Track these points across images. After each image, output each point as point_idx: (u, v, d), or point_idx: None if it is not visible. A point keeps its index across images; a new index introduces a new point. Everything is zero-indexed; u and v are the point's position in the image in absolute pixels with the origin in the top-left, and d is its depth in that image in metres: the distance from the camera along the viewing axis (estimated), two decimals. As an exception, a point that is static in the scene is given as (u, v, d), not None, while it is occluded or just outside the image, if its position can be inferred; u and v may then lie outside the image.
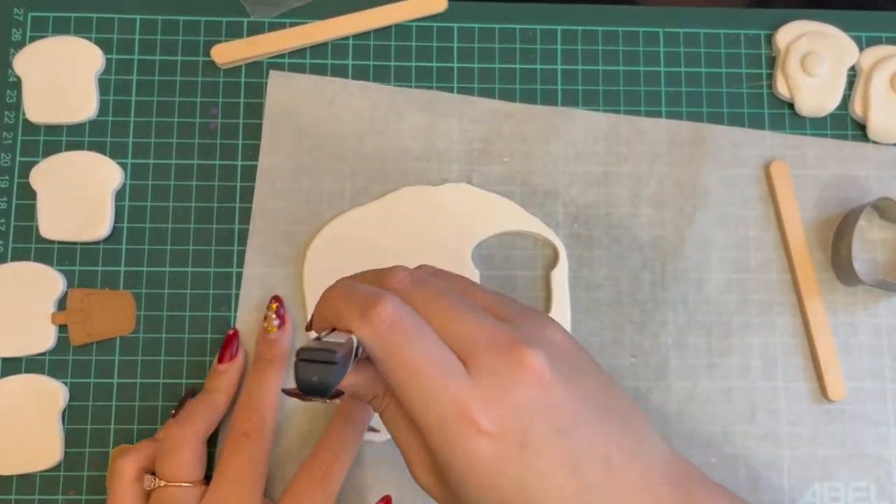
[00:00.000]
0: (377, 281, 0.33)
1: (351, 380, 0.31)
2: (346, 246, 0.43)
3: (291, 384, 0.31)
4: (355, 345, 0.29)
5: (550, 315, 0.43)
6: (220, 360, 0.41)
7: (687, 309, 0.44)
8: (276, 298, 0.42)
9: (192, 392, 0.42)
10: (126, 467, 0.38)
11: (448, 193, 0.44)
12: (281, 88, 0.45)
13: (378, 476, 0.42)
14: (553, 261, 0.44)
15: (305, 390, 0.28)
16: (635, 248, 0.45)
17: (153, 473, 0.38)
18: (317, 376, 0.27)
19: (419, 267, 0.35)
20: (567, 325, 0.44)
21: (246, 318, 0.43)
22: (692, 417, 0.43)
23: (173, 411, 0.41)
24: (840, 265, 0.45)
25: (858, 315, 0.45)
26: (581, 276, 0.44)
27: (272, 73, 0.45)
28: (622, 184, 0.45)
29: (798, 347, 0.44)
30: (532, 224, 0.44)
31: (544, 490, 0.28)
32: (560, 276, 0.44)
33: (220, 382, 0.41)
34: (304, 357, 0.28)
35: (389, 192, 0.44)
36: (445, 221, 0.44)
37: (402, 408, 0.31)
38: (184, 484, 0.38)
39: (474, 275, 0.44)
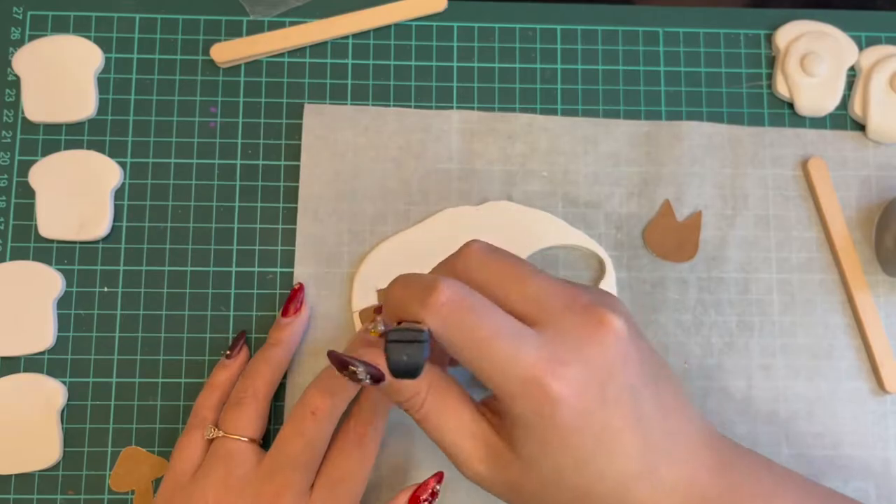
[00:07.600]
0: (450, 261, 0.34)
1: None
2: (392, 271, 0.43)
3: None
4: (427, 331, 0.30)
5: None
6: (285, 314, 0.41)
7: (734, 310, 0.44)
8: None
9: (245, 332, 0.42)
10: (208, 415, 0.39)
11: (490, 212, 0.44)
12: (316, 119, 0.45)
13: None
14: (599, 272, 0.44)
15: (397, 370, 0.29)
16: None
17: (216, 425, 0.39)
18: (406, 355, 0.29)
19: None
20: None
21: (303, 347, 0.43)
22: (753, 419, 0.43)
23: (227, 352, 0.41)
24: (886, 257, 0.44)
25: None
26: (628, 284, 0.44)
27: (307, 105, 0.45)
28: (662, 190, 0.45)
29: (850, 343, 0.44)
30: (576, 237, 0.44)
31: (616, 446, 0.30)
32: (608, 287, 0.43)
33: (283, 335, 0.41)
34: (393, 338, 0.29)
35: (431, 215, 0.44)
36: (489, 240, 0.44)
37: (447, 406, 0.32)
38: (242, 438, 0.38)
39: None
